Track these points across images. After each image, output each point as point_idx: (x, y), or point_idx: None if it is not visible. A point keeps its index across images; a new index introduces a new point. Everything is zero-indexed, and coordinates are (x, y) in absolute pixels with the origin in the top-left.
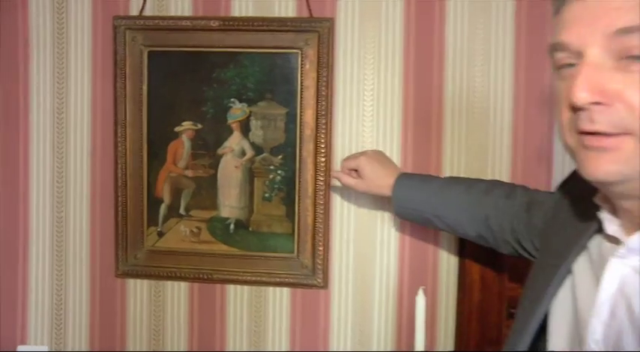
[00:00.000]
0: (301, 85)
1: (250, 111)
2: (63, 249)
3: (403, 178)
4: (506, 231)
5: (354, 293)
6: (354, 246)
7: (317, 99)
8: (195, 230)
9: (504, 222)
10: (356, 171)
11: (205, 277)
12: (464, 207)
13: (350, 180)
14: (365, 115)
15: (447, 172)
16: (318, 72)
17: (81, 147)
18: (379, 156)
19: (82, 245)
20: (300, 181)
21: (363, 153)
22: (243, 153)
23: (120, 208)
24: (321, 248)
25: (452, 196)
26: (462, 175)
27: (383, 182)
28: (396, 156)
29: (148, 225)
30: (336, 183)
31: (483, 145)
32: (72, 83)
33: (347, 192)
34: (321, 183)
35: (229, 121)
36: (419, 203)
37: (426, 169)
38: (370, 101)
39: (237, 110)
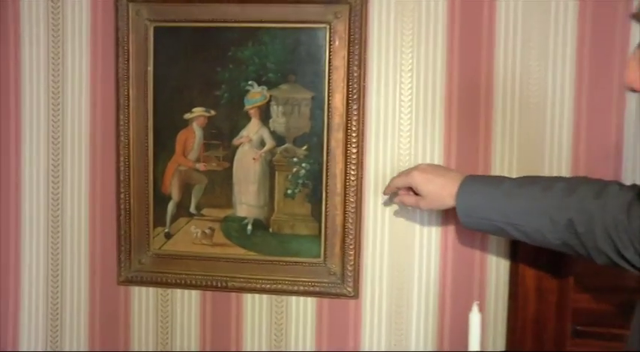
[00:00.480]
0: (329, 65)
1: (270, 96)
2: (59, 253)
3: (467, 184)
4: (598, 238)
5: (388, 304)
6: (389, 250)
7: (347, 82)
8: (207, 231)
9: (595, 227)
10: (410, 189)
11: (219, 285)
12: (542, 212)
13: (411, 200)
14: (402, 100)
15: (495, 171)
16: (348, 50)
17: (79, 137)
18: (433, 167)
19: (80, 248)
20: (327, 176)
21: (414, 168)
22: (263, 144)
23: (122, 206)
24: (351, 252)
25: (526, 199)
26: (513, 175)
27: (445, 191)
28: (437, 151)
29: (154, 226)
30: (371, 199)
31: (539, 140)
32: (68, 65)
33: (381, 188)
34: (352, 178)
35: (247, 107)
36: (488, 210)
37: (472, 166)
38: (408, 84)
39: (256, 94)
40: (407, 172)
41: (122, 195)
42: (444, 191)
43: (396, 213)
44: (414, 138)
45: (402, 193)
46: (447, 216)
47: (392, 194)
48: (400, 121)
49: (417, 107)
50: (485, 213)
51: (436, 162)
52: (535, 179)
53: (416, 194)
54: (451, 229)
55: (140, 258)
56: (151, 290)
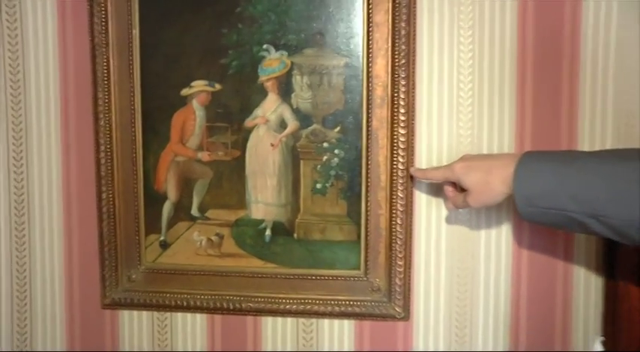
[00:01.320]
0: (368, 22)
1: (292, 63)
2: (26, 269)
3: (527, 162)
4: None
5: (447, 327)
6: (448, 259)
7: (393, 43)
8: (214, 238)
9: None
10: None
11: (231, 306)
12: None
13: (458, 199)
14: (462, 67)
15: None
16: (393, 1)
17: (47, 123)
18: (478, 156)
19: (53, 263)
20: (368, 165)
21: (456, 162)
22: (283, 125)
23: (104, 209)
24: (400, 262)
25: (615, 180)
26: None
27: (494, 177)
28: (508, 130)
29: (146, 233)
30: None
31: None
32: (29, 27)
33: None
34: (401, 168)
35: (261, 78)
36: (559, 197)
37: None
38: (469, 45)
39: (273, 62)
40: (446, 166)
41: (104, 195)
42: (492, 176)
43: (457, 212)
44: (477, 115)
45: (449, 194)
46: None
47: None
48: (460, 94)
49: (481, 75)
50: (555, 201)
51: (506, 146)
52: (624, 153)
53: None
54: (526, 231)
55: (130, 273)
56: (145, 314)
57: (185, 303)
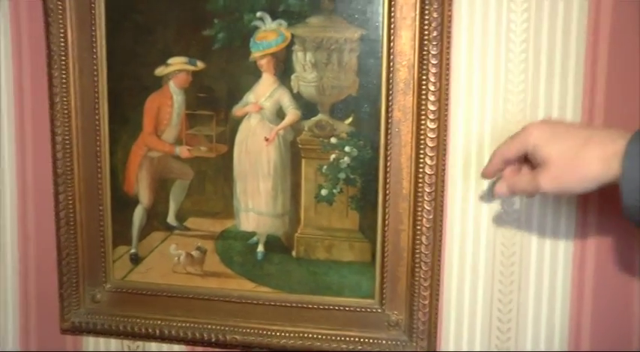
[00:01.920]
0: None
1: (293, 36)
2: None
3: None
4: None
5: None
6: (485, 290)
7: (422, 10)
8: (195, 253)
9: None
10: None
11: (214, 338)
12: None
13: (524, 180)
14: (513, 40)
15: None
16: None
17: None
18: (560, 122)
19: (7, 278)
20: (387, 168)
21: (533, 124)
22: (281, 115)
23: (62, 214)
24: (425, 292)
25: None
26: None
27: (590, 152)
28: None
29: (113, 244)
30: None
31: None
32: None
33: (477, 186)
34: (429, 172)
35: (254, 55)
36: None
37: None
38: (523, 12)
39: (269, 34)
40: (518, 136)
41: (61, 197)
42: (588, 149)
43: (500, 223)
44: (531, 104)
45: (508, 175)
46: (586, 220)
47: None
48: (509, 77)
49: (537, 50)
50: None
51: None
52: None
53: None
54: (590, 247)
55: (94, 293)
56: (113, 342)
57: (159, 332)
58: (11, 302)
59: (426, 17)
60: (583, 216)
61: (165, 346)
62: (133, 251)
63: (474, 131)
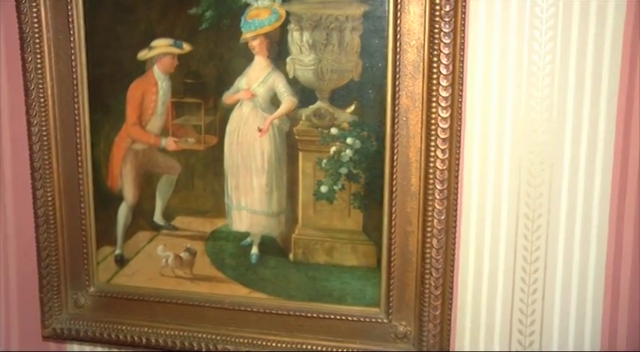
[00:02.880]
0: None
1: (288, 14)
2: None
3: None
4: None
5: None
6: (505, 294)
7: None
8: (184, 255)
9: None
10: None
11: (204, 348)
12: None
13: None
14: (537, 16)
15: None
16: None
17: None
18: None
19: None
20: (394, 162)
21: None
22: (276, 103)
23: (41, 212)
24: (436, 302)
25: None
26: None
27: None
28: (605, 116)
29: (97, 245)
30: None
31: None
32: None
33: (495, 180)
34: (441, 167)
35: (246, 35)
36: None
37: None
38: None
39: (262, 11)
40: None
41: (39, 194)
42: None
43: (522, 224)
44: (559, 88)
45: None
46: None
47: None
48: (533, 58)
49: (567, 27)
50: None
51: (602, 137)
52: None
53: None
54: (625, 251)
55: (76, 297)
56: (99, 349)
57: (145, 340)
58: None
59: None
60: (617, 219)
61: None
62: (117, 252)
63: (492, 120)
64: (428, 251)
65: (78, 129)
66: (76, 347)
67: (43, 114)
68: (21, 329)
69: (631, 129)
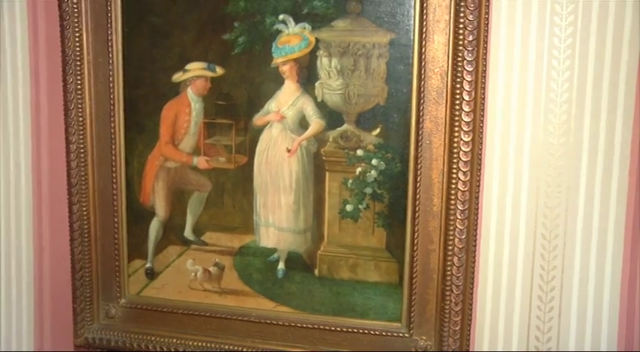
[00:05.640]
0: None
1: (317, 40)
2: None
3: None
4: None
5: None
6: (522, 313)
7: (456, 12)
8: (212, 269)
9: None
10: None
11: None
12: None
13: None
14: (556, 46)
15: None
16: None
17: (15, 113)
18: None
19: (22, 291)
20: (417, 183)
21: None
22: (304, 125)
23: (76, 226)
24: (456, 318)
25: None
26: None
27: None
28: (620, 139)
29: (129, 258)
30: None
31: None
32: None
33: (514, 202)
34: (462, 189)
35: (276, 60)
36: None
37: None
38: (568, 15)
39: (293, 38)
40: None
41: (76, 208)
42: None
43: (539, 244)
44: (576, 115)
45: None
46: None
47: None
48: (551, 85)
49: (584, 58)
50: None
51: (617, 161)
52: None
53: None
54: None
55: (108, 308)
56: None
57: (173, 350)
58: (26, 316)
59: (461, 20)
60: (632, 239)
61: None
62: (148, 265)
63: (511, 145)
64: (449, 268)
65: (113, 147)
66: None
67: (81, 132)
68: (53, 338)
69: None
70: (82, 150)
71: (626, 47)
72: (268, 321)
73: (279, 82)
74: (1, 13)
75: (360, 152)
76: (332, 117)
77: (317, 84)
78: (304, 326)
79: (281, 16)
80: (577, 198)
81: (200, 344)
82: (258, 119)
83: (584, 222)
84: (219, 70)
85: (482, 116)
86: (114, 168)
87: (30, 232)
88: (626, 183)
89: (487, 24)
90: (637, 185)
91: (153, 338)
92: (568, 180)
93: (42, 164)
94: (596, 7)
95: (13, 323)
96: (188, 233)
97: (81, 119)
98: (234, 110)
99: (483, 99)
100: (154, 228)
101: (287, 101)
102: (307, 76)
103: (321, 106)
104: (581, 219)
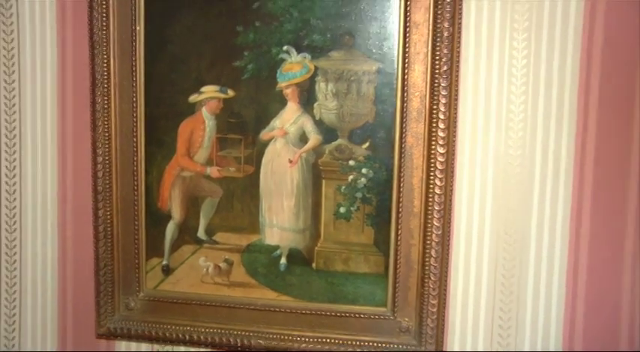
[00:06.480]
0: (405, 21)
1: (316, 68)
2: (15, 291)
3: None
4: None
5: None
6: (488, 299)
7: (433, 46)
8: (222, 265)
9: None
10: None
11: (239, 342)
12: None
13: None
14: (514, 75)
15: None
16: None
17: (43, 129)
18: None
19: (46, 286)
20: (400, 188)
21: None
22: (304, 139)
23: (101, 228)
24: (434, 301)
25: None
26: None
27: None
28: (565, 154)
29: (147, 256)
30: None
31: None
32: (26, 24)
33: (480, 204)
34: (438, 193)
35: (281, 84)
36: None
37: (620, 173)
38: (523, 50)
39: (295, 66)
40: None
41: (101, 213)
42: None
43: (502, 240)
44: (530, 133)
45: None
46: (579, 242)
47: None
48: (510, 107)
49: (537, 86)
50: None
51: (563, 171)
52: None
53: None
54: (597, 261)
55: (128, 301)
56: (144, 346)
57: (188, 337)
58: (50, 308)
59: (437, 53)
60: (576, 234)
61: (193, 349)
62: (164, 263)
63: (478, 156)
64: (427, 260)
65: (135, 158)
66: (123, 346)
67: (107, 146)
68: (76, 327)
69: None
70: (107, 162)
71: (568, 75)
72: (272, 309)
73: (282, 102)
74: (33, 42)
75: (352, 162)
76: (328, 133)
77: (315, 105)
78: (303, 312)
79: (285, 47)
80: (531, 199)
81: (211, 330)
82: (264, 134)
83: (538, 219)
84: (231, 92)
85: (455, 132)
86: (135, 178)
87: (55, 235)
88: (570, 184)
89: (458, 56)
90: (579, 186)
91: (169, 327)
92: (524, 184)
93: (66, 176)
94: (545, 42)
95: (39, 315)
96: (201, 233)
97: (107, 134)
98: (244, 127)
99: (455, 118)
100: (170, 229)
101: (289, 119)
102: (307, 98)
103: (319, 124)
104: (535, 216)
